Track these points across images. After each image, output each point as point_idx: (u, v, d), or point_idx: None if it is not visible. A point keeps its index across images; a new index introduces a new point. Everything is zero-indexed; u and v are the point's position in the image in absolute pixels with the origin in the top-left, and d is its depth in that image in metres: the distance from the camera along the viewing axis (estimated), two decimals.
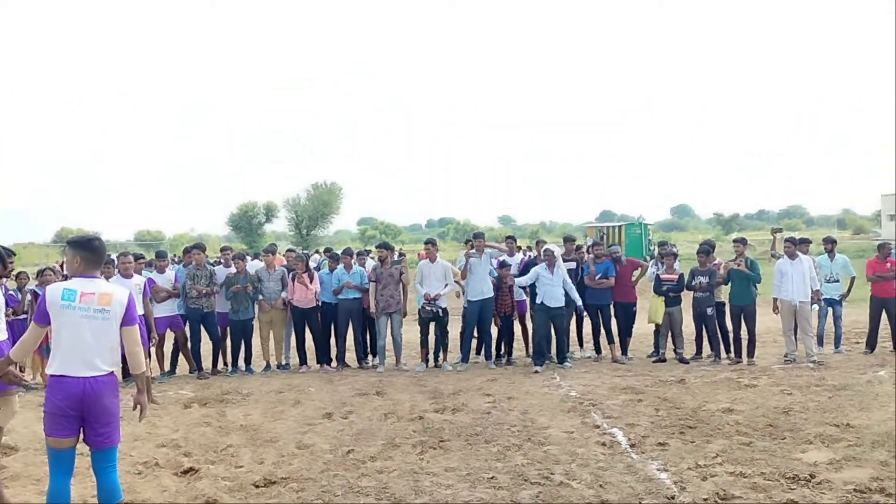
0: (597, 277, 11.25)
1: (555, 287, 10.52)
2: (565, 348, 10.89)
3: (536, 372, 10.26)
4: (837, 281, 11.38)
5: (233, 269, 11.15)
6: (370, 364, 11.32)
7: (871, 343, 11.18)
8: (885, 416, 7.10)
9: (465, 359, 11.04)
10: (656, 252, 12.34)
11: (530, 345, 11.27)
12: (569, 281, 10.66)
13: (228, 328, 11.12)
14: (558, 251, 10.92)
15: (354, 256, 11.55)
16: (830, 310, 11.39)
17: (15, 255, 6.50)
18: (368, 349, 11.53)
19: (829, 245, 11.69)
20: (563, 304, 10.58)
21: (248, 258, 20.17)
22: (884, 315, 11.10)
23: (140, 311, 9.05)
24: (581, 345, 12.02)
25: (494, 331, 11.35)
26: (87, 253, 4.58)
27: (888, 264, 11.08)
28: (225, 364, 11.20)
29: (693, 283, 10.97)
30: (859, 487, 5.18)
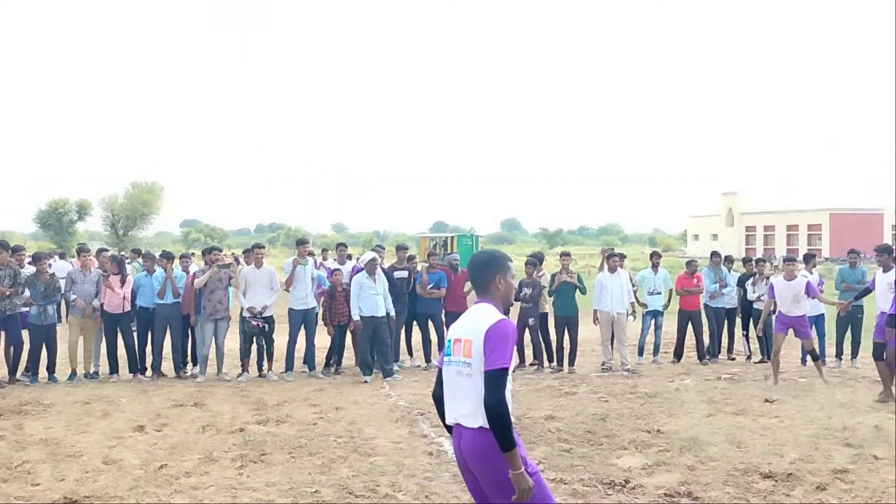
0: (429, 287, 11.29)
1: (376, 296, 10.40)
2: (389, 359, 10.51)
3: (365, 382, 10.11)
4: (660, 293, 11.96)
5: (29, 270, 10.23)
6: (189, 373, 10.70)
7: (679, 353, 11.95)
8: (692, 423, 7.58)
9: (289, 367, 10.67)
10: None
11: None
12: (387, 288, 10.52)
13: (29, 332, 10.13)
14: (379, 259, 10.81)
15: (176, 260, 10.90)
16: (653, 320, 11.97)
17: None
18: (188, 357, 10.90)
19: (657, 259, 12.20)
20: (384, 313, 10.44)
21: (54, 259, 18.71)
22: (690, 327, 11.89)
23: None
24: (410, 354, 12.00)
25: (327, 340, 11.07)
26: None
27: (695, 280, 11.91)
28: (25, 371, 10.15)
29: (520, 294, 11.24)
30: (669, 492, 5.46)
